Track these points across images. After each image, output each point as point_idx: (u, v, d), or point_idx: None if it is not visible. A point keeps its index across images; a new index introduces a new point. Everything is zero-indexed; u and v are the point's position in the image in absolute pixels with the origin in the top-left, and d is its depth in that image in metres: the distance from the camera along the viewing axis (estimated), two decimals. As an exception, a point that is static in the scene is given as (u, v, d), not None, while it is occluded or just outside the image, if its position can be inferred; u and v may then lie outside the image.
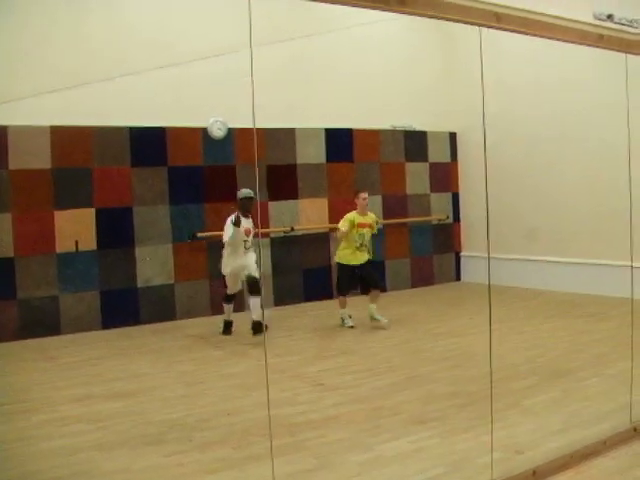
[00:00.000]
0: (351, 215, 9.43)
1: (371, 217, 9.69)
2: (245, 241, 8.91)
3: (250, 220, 8.95)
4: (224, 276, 9.21)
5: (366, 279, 9.42)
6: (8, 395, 6.53)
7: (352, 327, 9.30)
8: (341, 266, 9.60)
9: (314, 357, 7.84)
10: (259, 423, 5.22)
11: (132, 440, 5.18)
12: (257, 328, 8.61)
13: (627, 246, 5.57)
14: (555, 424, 5.19)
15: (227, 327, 9.29)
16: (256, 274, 8.88)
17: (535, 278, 11.72)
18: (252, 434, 5.16)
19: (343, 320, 9.47)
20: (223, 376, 7.09)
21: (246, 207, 8.87)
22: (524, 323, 9.02)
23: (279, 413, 5.60)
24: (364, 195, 9.49)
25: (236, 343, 8.73)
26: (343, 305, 9.53)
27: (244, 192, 8.91)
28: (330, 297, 11.47)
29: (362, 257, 9.46)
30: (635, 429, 4.91)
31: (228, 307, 9.33)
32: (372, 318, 9.30)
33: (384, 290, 9.28)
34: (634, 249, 5.61)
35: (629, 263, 5.60)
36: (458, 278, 13.59)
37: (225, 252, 9.03)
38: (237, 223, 8.61)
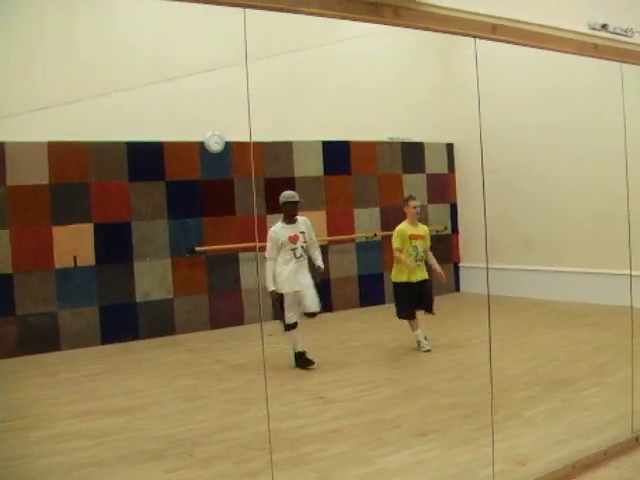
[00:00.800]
0: (402, 227, 8.54)
1: (423, 228, 8.71)
2: (294, 249, 7.97)
3: (298, 225, 8.03)
4: (278, 298, 7.95)
5: (420, 302, 8.46)
6: (7, 411, 6.52)
7: (428, 351, 8.32)
8: (396, 285, 8.58)
9: (314, 370, 7.82)
10: (259, 437, 5.21)
11: (132, 456, 5.16)
12: (303, 360, 7.93)
13: (625, 255, 5.57)
14: (556, 434, 5.18)
15: (303, 360, 7.92)
16: (317, 307, 7.99)
17: (534, 288, 11.71)
18: (252, 449, 5.15)
19: (419, 343, 8.44)
20: (223, 390, 7.08)
21: (290, 211, 8.00)
22: (524, 333, 9.01)
23: (279, 427, 5.58)
24: (414, 203, 8.58)
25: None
26: (414, 327, 8.50)
27: (287, 195, 8.08)
28: (329, 310, 11.47)
29: (419, 273, 8.48)
30: (637, 439, 4.91)
31: (292, 335, 8.01)
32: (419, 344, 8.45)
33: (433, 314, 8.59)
34: (632, 258, 5.61)
35: (627, 272, 5.60)
36: (457, 289, 13.58)
37: (270, 267, 7.96)
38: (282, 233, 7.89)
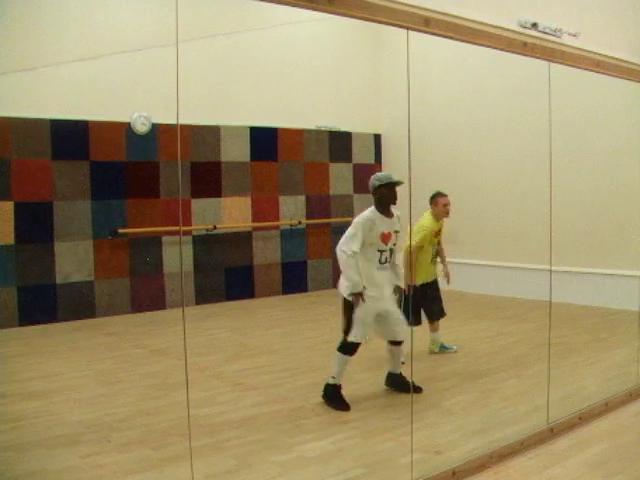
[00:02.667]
0: (429, 224, 7.51)
1: (441, 223, 7.73)
2: (382, 252, 5.93)
3: (393, 222, 6.05)
4: (347, 308, 5.91)
5: (431, 305, 7.61)
6: None
7: (456, 351, 7.68)
8: (419, 288, 7.46)
9: (235, 356, 7.80)
10: (179, 423, 5.19)
11: (48, 441, 5.08)
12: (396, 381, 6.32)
13: (546, 250, 5.68)
14: (474, 424, 5.28)
15: (339, 399, 5.89)
16: (403, 335, 6.08)
17: (456, 281, 11.82)
18: (171, 434, 5.11)
19: (441, 345, 7.70)
20: (143, 375, 7.00)
21: (391, 199, 6.02)
22: (445, 325, 9.08)
23: (198, 413, 5.56)
24: (445, 200, 7.58)
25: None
26: (435, 329, 7.69)
27: (387, 176, 6.13)
28: (252, 296, 11.49)
29: (435, 272, 7.72)
30: (552, 429, 5.03)
31: (343, 361, 5.96)
32: (438, 347, 7.70)
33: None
34: (553, 253, 5.72)
35: (548, 267, 5.71)
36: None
37: (354, 264, 5.76)
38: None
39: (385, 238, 5.91)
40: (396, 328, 6.04)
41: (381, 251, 5.91)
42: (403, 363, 6.25)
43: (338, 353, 5.93)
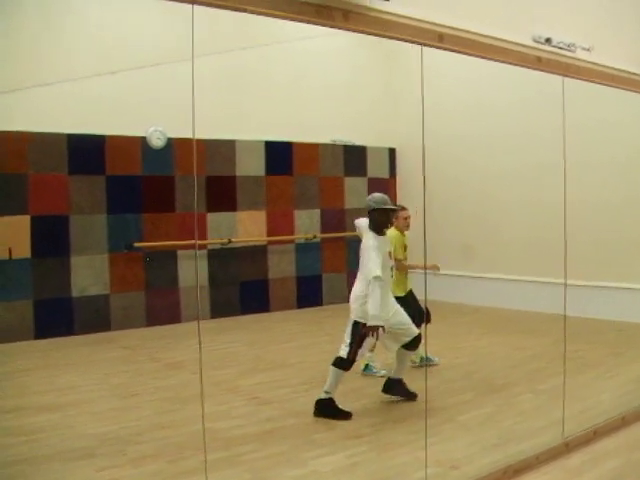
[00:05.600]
0: (396, 235, 7.42)
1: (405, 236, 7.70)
2: (391, 268, 6.28)
3: (387, 241, 6.29)
4: (363, 329, 5.87)
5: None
6: None
7: (437, 364, 7.64)
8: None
9: (250, 370, 7.80)
10: (194, 437, 5.19)
11: (64, 454, 5.09)
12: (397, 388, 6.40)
13: (561, 264, 5.67)
14: (489, 439, 5.26)
15: (337, 410, 5.98)
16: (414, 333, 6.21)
17: (472, 294, 11.84)
18: (186, 448, 5.12)
19: (426, 359, 7.41)
20: (158, 389, 7.02)
21: (388, 223, 6.28)
22: (460, 339, 9.12)
23: (214, 427, 5.56)
24: (405, 214, 7.60)
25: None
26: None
27: (383, 200, 6.21)
28: (267, 310, 11.50)
29: (407, 285, 7.58)
30: (567, 444, 5.01)
31: (340, 376, 6.04)
32: (418, 359, 7.48)
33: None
34: (567, 267, 5.71)
35: (562, 281, 5.70)
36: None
37: (375, 292, 5.74)
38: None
39: (390, 256, 6.21)
40: (405, 333, 6.14)
41: (391, 267, 6.19)
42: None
43: (334, 368, 5.99)
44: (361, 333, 5.86)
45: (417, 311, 7.14)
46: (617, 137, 9.85)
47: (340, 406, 5.96)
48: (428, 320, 7.22)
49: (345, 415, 5.89)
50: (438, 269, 7.17)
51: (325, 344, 9.06)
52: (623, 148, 9.78)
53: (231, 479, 4.58)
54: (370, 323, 5.70)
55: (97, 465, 4.85)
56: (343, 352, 5.96)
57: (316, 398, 6.03)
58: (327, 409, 5.94)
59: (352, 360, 5.94)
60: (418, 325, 6.69)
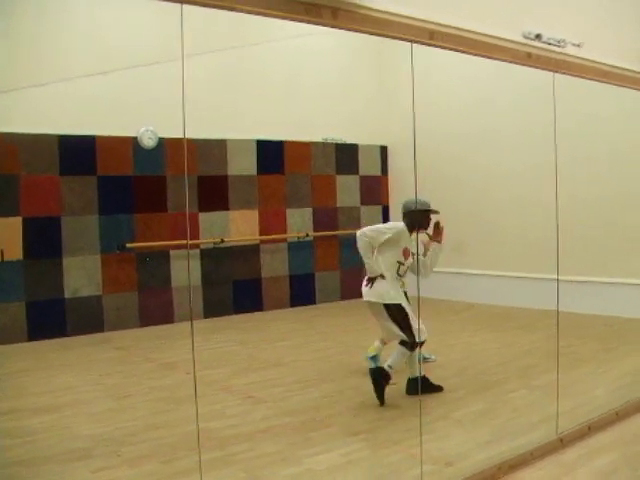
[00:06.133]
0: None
1: None
2: (400, 264, 6.33)
3: (412, 243, 6.44)
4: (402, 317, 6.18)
5: None
6: None
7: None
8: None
9: (244, 369, 7.81)
10: (188, 437, 5.18)
11: (59, 455, 5.08)
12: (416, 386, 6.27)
13: (552, 260, 5.69)
14: (484, 436, 5.26)
15: (382, 391, 6.15)
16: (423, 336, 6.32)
17: (465, 291, 11.86)
18: (181, 448, 5.11)
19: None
20: (152, 389, 7.01)
21: (424, 225, 6.38)
22: (454, 336, 9.12)
23: (208, 426, 5.56)
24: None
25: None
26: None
27: (425, 202, 6.36)
28: (260, 309, 11.51)
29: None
30: (561, 440, 5.01)
31: (404, 356, 6.23)
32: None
33: None
34: (560, 263, 5.72)
35: (555, 276, 5.71)
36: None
37: (367, 243, 6.25)
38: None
39: (406, 253, 6.32)
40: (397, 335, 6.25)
41: (400, 263, 6.29)
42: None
43: (401, 347, 6.18)
44: (401, 316, 6.18)
45: None
46: (610, 133, 9.87)
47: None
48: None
49: (381, 399, 6.09)
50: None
51: (319, 342, 9.10)
52: (616, 143, 9.80)
53: (226, 479, 4.58)
54: (391, 304, 6.17)
55: (93, 466, 4.84)
56: (406, 337, 6.18)
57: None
58: (379, 381, 6.11)
59: (414, 341, 6.12)
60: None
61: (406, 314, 6.15)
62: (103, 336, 9.97)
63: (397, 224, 6.35)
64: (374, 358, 7.28)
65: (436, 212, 6.34)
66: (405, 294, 6.91)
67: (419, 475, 4.29)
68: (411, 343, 6.10)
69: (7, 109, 9.33)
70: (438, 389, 6.44)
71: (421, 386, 6.25)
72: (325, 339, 9.19)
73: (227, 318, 11.16)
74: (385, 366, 6.15)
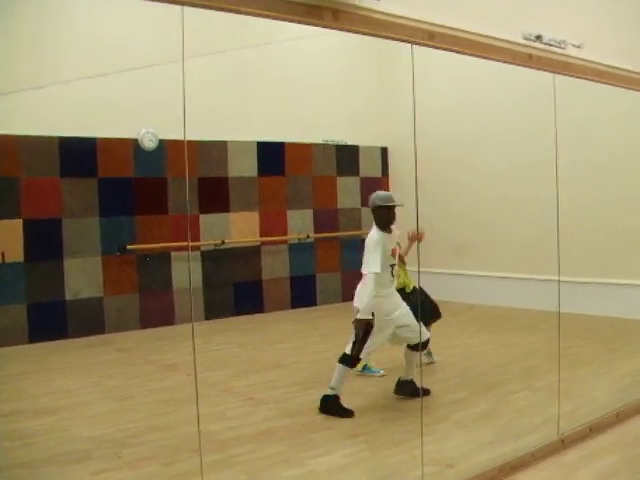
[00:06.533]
0: None
1: None
2: (393, 266, 6.23)
3: (393, 237, 6.29)
4: (357, 320, 5.85)
5: None
6: None
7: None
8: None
9: (245, 371, 7.80)
10: (189, 439, 5.18)
11: (59, 457, 5.08)
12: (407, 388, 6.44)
13: (554, 261, 5.68)
14: (485, 437, 5.26)
15: (341, 408, 6.02)
16: (417, 338, 6.18)
17: (466, 292, 11.85)
18: (182, 450, 5.11)
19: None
20: (153, 391, 7.01)
21: (390, 219, 6.23)
22: (454, 337, 9.12)
23: (209, 428, 5.56)
24: None
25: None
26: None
27: (386, 197, 6.29)
28: (261, 311, 11.51)
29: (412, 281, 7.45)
30: (562, 441, 5.01)
31: (345, 373, 6.08)
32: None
33: None
34: (561, 264, 5.72)
35: (556, 277, 5.71)
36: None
37: (369, 286, 5.88)
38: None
39: (393, 252, 6.19)
40: (410, 334, 6.17)
41: (392, 265, 6.16)
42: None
43: (340, 365, 6.01)
44: (364, 330, 5.84)
45: (427, 310, 7.24)
46: (610, 134, 9.87)
47: (344, 405, 5.98)
48: (438, 316, 7.57)
49: (348, 413, 5.92)
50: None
51: (319, 344, 9.09)
52: (616, 145, 9.80)
53: (228, 480, 4.59)
54: (358, 317, 5.79)
55: (93, 468, 4.84)
56: (348, 349, 5.97)
57: (322, 394, 6.06)
58: (331, 406, 5.97)
59: (356, 357, 5.93)
60: (428, 324, 6.95)
61: (368, 331, 5.85)
62: (104, 338, 9.97)
63: (378, 235, 6.09)
64: (364, 369, 7.34)
65: (400, 205, 6.19)
66: (404, 291, 6.95)
67: (420, 476, 4.29)
68: (352, 359, 5.96)
69: (7, 111, 9.33)
70: (418, 393, 6.14)
71: (406, 389, 6.40)
72: (326, 341, 9.17)
73: (228, 320, 11.16)
74: (328, 390, 6.04)
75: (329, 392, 6.00)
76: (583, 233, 9.92)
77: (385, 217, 6.16)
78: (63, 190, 9.96)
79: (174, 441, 5.36)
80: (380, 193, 6.33)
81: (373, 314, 5.82)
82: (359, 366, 7.13)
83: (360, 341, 5.87)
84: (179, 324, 10.56)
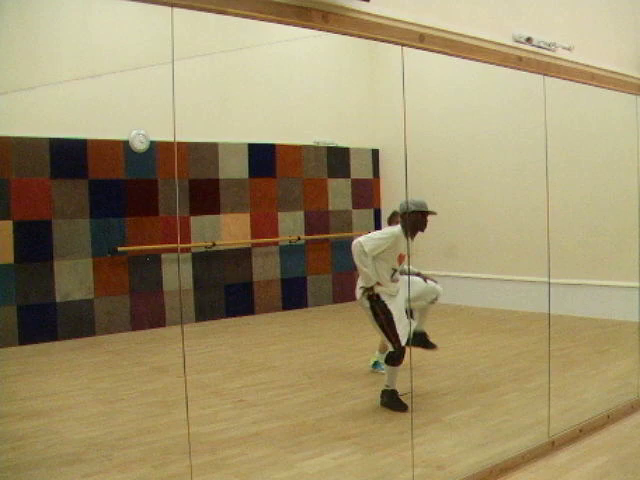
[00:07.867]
0: None
1: None
2: (394, 270, 6.17)
3: (411, 244, 6.21)
4: (380, 314, 6.01)
5: None
6: None
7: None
8: None
9: (235, 373, 7.79)
10: (179, 441, 5.17)
11: (49, 460, 5.06)
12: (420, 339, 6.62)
13: (544, 263, 5.69)
14: (475, 439, 5.26)
15: (396, 402, 6.08)
16: (438, 291, 6.49)
17: (456, 294, 11.85)
18: (172, 452, 5.09)
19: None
20: (143, 393, 6.99)
21: (423, 225, 6.24)
22: (445, 339, 9.10)
23: (199, 431, 5.55)
24: None
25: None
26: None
27: (419, 202, 6.15)
28: (252, 313, 11.49)
29: None
30: (553, 443, 5.02)
31: (394, 372, 6.09)
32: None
33: None
34: (551, 265, 5.73)
35: (546, 279, 5.71)
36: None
37: (362, 264, 6.03)
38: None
39: (401, 259, 6.14)
40: (428, 295, 6.44)
41: (394, 270, 6.14)
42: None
43: (387, 366, 6.09)
44: (381, 312, 5.99)
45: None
46: (600, 136, 9.89)
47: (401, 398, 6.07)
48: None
49: (401, 408, 5.99)
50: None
51: (310, 346, 9.08)
52: (606, 147, 9.82)
53: (218, 482, 4.58)
54: (362, 285, 6.11)
55: (83, 471, 4.82)
56: (390, 346, 6.01)
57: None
58: (388, 400, 6.09)
59: (399, 348, 5.92)
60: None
61: (391, 318, 5.93)
62: (94, 340, 9.95)
63: (393, 230, 6.10)
64: (376, 365, 7.33)
65: (433, 213, 6.19)
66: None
67: (411, 478, 4.29)
68: (396, 354, 5.94)
69: (-3, 113, 9.32)
70: (428, 346, 6.63)
71: (419, 339, 6.58)
72: (317, 343, 9.17)
73: (219, 322, 11.14)
74: (384, 386, 6.15)
75: (386, 388, 6.14)
76: (573, 235, 9.94)
77: (418, 223, 6.13)
78: (53, 191, 9.93)
79: (164, 443, 5.35)
80: (415, 199, 6.12)
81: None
82: (370, 361, 7.40)
83: (390, 332, 5.95)
84: (170, 326, 10.53)
